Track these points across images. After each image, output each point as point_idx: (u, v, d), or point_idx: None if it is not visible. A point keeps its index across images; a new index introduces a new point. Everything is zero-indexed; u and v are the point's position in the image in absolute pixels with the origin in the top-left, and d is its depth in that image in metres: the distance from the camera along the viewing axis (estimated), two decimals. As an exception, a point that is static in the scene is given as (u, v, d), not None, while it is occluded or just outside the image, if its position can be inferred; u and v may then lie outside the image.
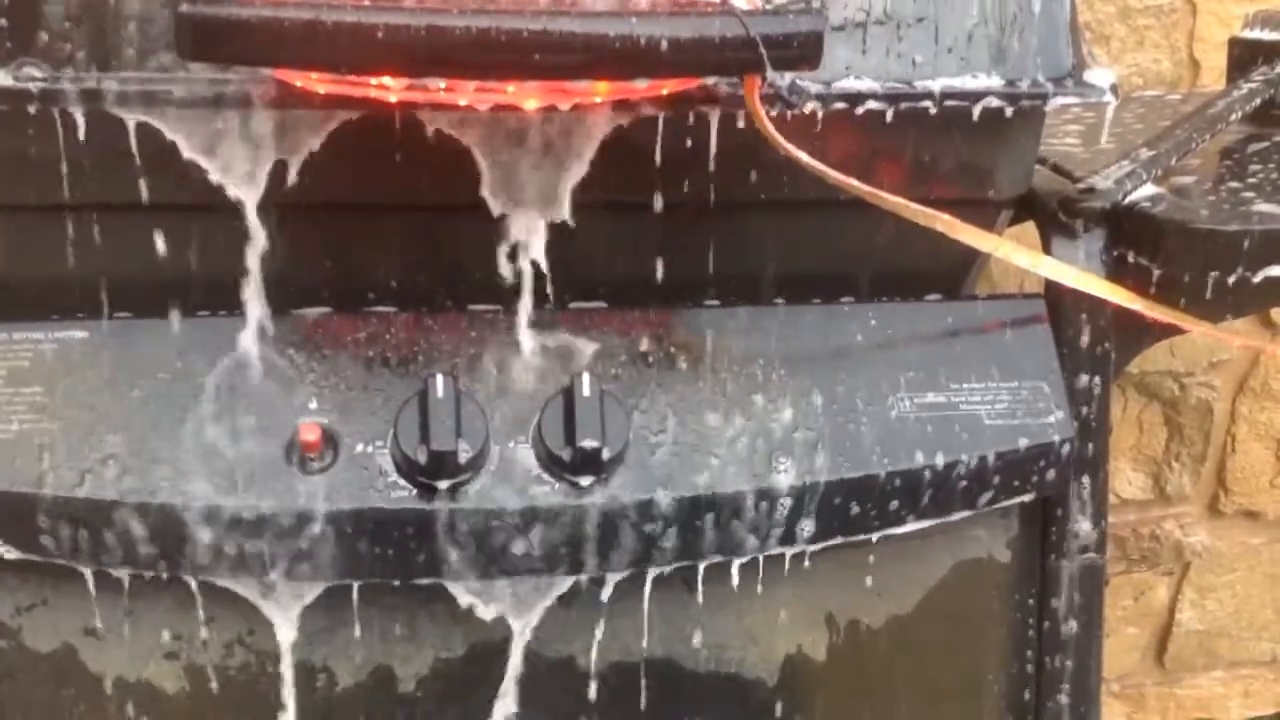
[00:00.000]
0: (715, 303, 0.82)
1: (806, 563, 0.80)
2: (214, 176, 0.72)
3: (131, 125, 0.70)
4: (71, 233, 0.74)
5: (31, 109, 0.69)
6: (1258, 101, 0.99)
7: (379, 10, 0.63)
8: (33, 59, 0.69)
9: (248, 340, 0.75)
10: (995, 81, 0.77)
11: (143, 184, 0.72)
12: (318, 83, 0.69)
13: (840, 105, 0.74)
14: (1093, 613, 0.89)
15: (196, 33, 0.62)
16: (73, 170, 0.71)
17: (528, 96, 0.70)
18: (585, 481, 0.75)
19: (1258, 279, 0.83)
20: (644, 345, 0.79)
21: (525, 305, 0.77)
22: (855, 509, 0.79)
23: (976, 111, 0.76)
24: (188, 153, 0.71)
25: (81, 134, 0.70)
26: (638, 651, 0.81)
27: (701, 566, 0.79)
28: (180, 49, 0.63)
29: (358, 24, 0.62)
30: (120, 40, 0.69)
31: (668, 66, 0.67)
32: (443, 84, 0.69)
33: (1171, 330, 0.86)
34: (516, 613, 0.78)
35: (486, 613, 0.77)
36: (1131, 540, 1.60)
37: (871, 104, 0.75)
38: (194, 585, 0.75)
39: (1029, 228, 0.88)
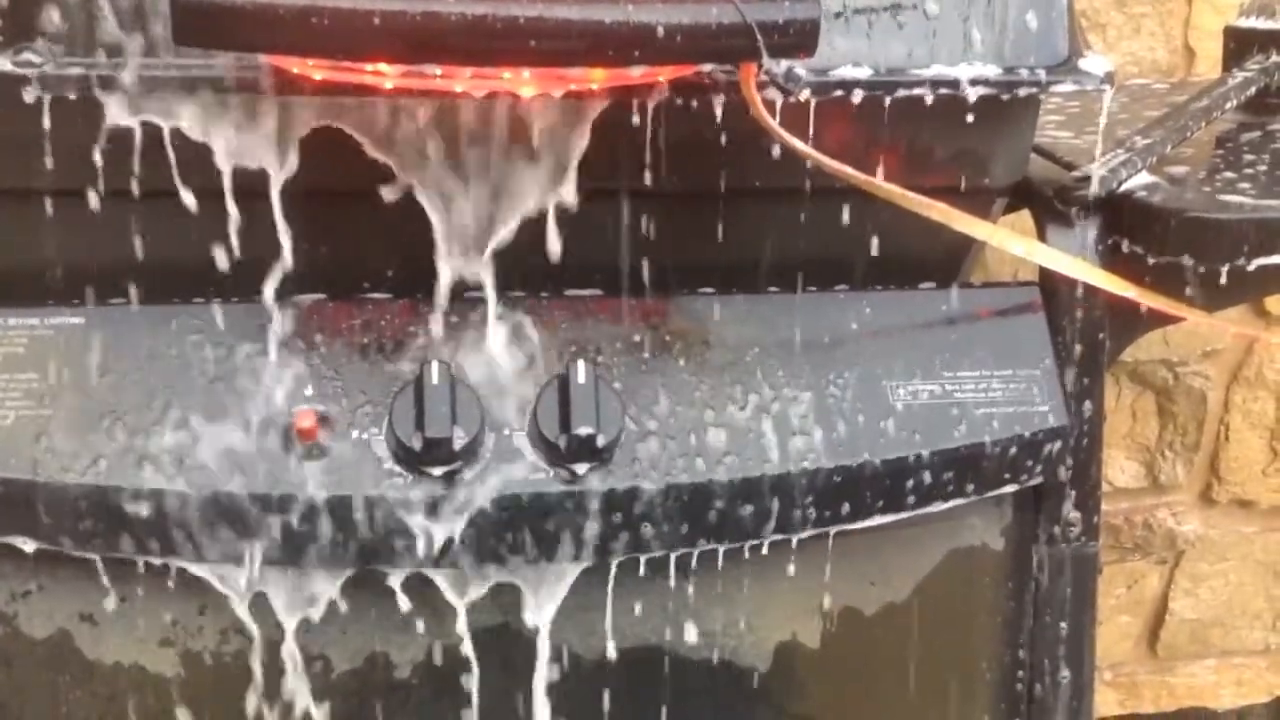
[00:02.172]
0: (710, 290, 0.82)
1: (800, 550, 0.80)
2: (209, 162, 0.72)
3: (126, 112, 0.70)
4: (67, 218, 0.74)
5: (29, 95, 0.69)
6: (1253, 90, 0.99)
7: (375, -4, 0.63)
8: (31, 44, 0.69)
9: (244, 326, 0.75)
10: (991, 69, 0.77)
11: (137, 170, 0.72)
12: (313, 69, 0.68)
13: (836, 93, 0.74)
14: (1086, 601, 0.89)
15: (192, 18, 0.62)
16: (68, 156, 0.71)
17: (523, 83, 0.70)
18: (580, 468, 0.75)
19: (1252, 268, 0.83)
20: (639, 333, 0.79)
21: (521, 292, 0.78)
22: (849, 496, 0.79)
23: (972, 99, 0.76)
24: (182, 139, 0.71)
25: (77, 120, 0.70)
26: (631, 638, 0.81)
27: (696, 553, 0.79)
28: (176, 35, 0.63)
29: (353, 10, 0.62)
30: (117, 26, 0.69)
31: (664, 53, 0.66)
32: (438, 71, 0.69)
33: (1166, 319, 0.86)
34: (511, 600, 0.78)
35: (481, 600, 0.77)
36: (1125, 529, 1.60)
37: (867, 92, 0.75)
38: (189, 571, 0.75)
39: (1024, 216, 0.88)
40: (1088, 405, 0.85)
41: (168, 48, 0.68)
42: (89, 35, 0.69)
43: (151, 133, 0.71)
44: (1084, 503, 0.87)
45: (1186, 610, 1.65)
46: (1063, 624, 0.89)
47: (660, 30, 0.65)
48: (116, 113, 0.70)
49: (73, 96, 0.69)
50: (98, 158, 0.72)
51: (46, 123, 0.70)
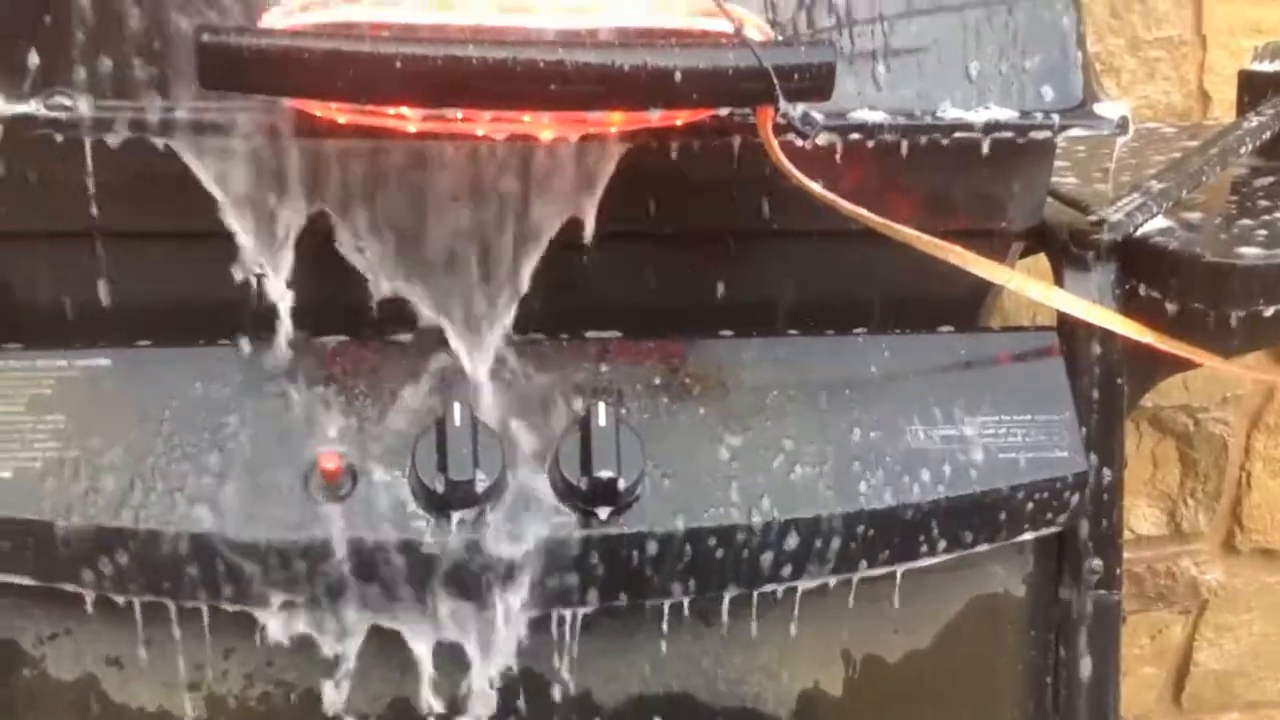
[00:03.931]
0: (730, 333, 0.82)
1: (822, 595, 0.80)
2: (235, 205, 0.72)
3: (156, 154, 0.71)
4: (94, 261, 0.75)
5: (59, 137, 0.70)
6: (1267, 135, 0.99)
7: (397, 41, 0.64)
8: (63, 88, 0.70)
9: (268, 369, 0.76)
10: (1006, 113, 0.77)
11: (165, 212, 0.73)
12: (337, 112, 0.70)
13: (852, 136, 0.75)
14: (1109, 650, 0.89)
15: (218, 63, 0.64)
16: (94, 198, 0.72)
17: (544, 127, 0.71)
18: (601, 511, 0.75)
19: (1269, 313, 0.83)
20: (659, 375, 0.80)
21: (542, 334, 0.78)
22: (869, 541, 0.79)
23: (987, 143, 0.77)
24: (210, 181, 0.72)
25: (106, 163, 0.71)
26: (652, 683, 0.81)
27: (716, 598, 0.78)
28: (202, 79, 0.64)
29: (376, 54, 0.63)
30: (146, 70, 0.70)
31: (681, 97, 0.67)
32: (459, 114, 0.70)
33: (1185, 364, 0.86)
34: (532, 643, 0.78)
35: (502, 643, 0.77)
36: (1148, 578, 1.59)
37: (883, 135, 0.76)
38: (214, 615, 0.75)
39: (1041, 260, 0.88)
40: (1108, 451, 0.85)
41: (194, 91, 0.69)
42: (119, 79, 0.70)
43: (178, 175, 0.72)
44: (1105, 550, 0.87)
45: (1211, 661, 1.64)
46: (1086, 674, 0.88)
47: (678, 75, 0.66)
48: (142, 155, 0.71)
49: (99, 140, 0.70)
50: (122, 200, 0.73)
51: (75, 165, 0.71)
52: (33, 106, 0.69)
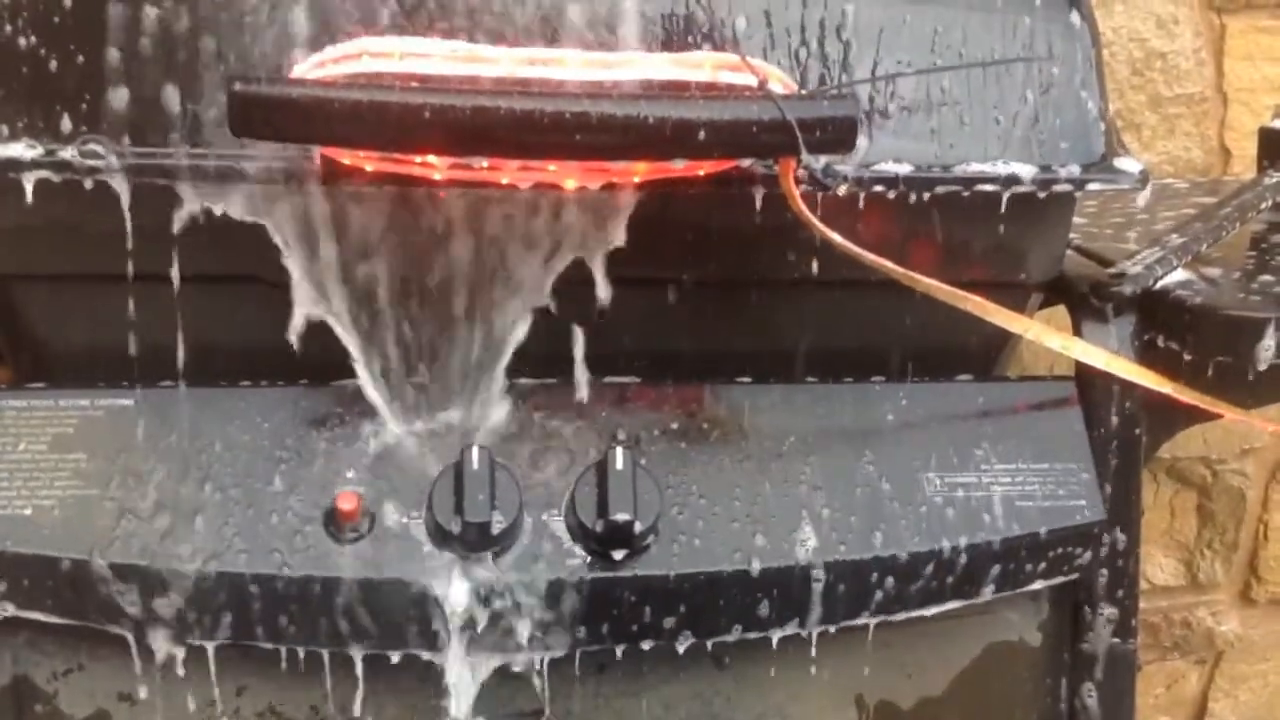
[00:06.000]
0: (747, 379, 0.82)
1: (836, 641, 0.80)
2: (261, 249, 0.73)
3: (181, 199, 0.72)
4: (117, 302, 0.76)
5: (89, 183, 0.71)
6: (1286, 191, 1.00)
7: (425, 91, 0.65)
8: (95, 135, 0.71)
9: (287, 410, 0.77)
10: (1027, 168, 0.78)
11: (189, 256, 0.74)
12: (364, 160, 0.70)
13: (873, 189, 0.76)
14: (1124, 700, 0.88)
15: (248, 111, 0.64)
16: (120, 242, 0.73)
17: (568, 175, 0.72)
18: (617, 554, 0.75)
19: (1289, 366, 0.83)
20: (677, 420, 0.80)
21: (560, 379, 0.79)
22: (885, 588, 0.79)
23: (1008, 197, 0.78)
24: (234, 226, 0.72)
25: (133, 207, 0.72)
26: (665, 727, 0.81)
27: (730, 642, 0.79)
28: (232, 126, 0.65)
29: (405, 104, 0.64)
30: (176, 118, 0.71)
31: (705, 148, 0.68)
32: (485, 162, 0.70)
33: (1203, 416, 0.86)
34: (545, 685, 0.78)
35: (515, 684, 0.77)
36: (1164, 628, 1.59)
37: (905, 188, 0.76)
38: (227, 651, 0.75)
39: (1060, 310, 0.89)
40: (1125, 501, 0.85)
41: (225, 138, 0.70)
42: (151, 126, 0.71)
43: (206, 220, 0.72)
44: (1121, 600, 0.86)
45: (1226, 711, 1.63)
46: (1100, 722, 0.88)
47: (702, 127, 0.66)
48: (168, 201, 0.72)
49: (127, 185, 0.71)
50: (148, 244, 0.73)
51: (101, 210, 0.71)
52: (68, 154, 0.70)
